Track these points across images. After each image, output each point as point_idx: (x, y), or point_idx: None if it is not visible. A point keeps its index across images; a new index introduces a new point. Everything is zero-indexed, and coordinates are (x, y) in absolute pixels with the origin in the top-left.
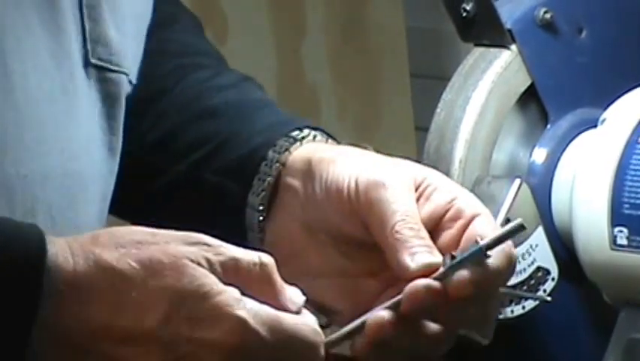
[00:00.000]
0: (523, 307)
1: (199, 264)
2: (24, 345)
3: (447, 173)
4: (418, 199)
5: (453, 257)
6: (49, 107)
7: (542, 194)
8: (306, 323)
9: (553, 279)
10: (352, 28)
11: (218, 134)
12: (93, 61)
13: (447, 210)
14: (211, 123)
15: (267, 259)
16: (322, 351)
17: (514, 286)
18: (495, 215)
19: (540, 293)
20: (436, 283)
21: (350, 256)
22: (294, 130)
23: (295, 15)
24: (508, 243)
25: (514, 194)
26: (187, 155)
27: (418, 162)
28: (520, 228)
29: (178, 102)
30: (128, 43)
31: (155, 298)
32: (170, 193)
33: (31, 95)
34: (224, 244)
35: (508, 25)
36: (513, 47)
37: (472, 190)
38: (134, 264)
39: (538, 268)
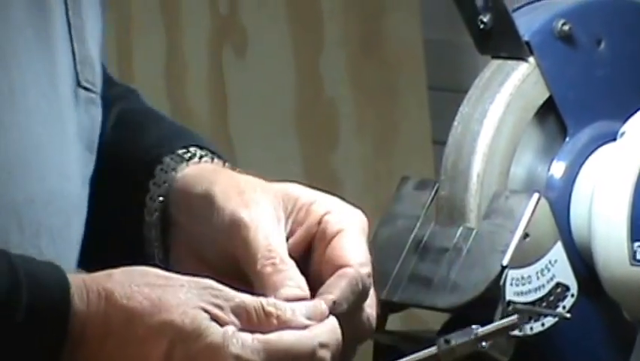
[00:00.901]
0: (543, 324)
1: (205, 310)
2: None
3: (465, 187)
4: (292, 222)
5: (447, 341)
6: (47, 128)
7: (561, 208)
8: (305, 334)
9: (572, 295)
10: (370, 41)
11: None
12: (83, 83)
13: (317, 231)
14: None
15: (269, 302)
16: (324, 354)
17: (533, 303)
18: (513, 230)
19: (559, 310)
20: None
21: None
22: (166, 155)
23: (314, 29)
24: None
25: (532, 209)
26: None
27: (435, 176)
28: (518, 324)
29: None
30: (99, 65)
31: (157, 335)
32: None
33: (31, 115)
34: (232, 291)
35: (525, 37)
36: (531, 59)
37: (489, 205)
38: (144, 302)
39: (558, 285)
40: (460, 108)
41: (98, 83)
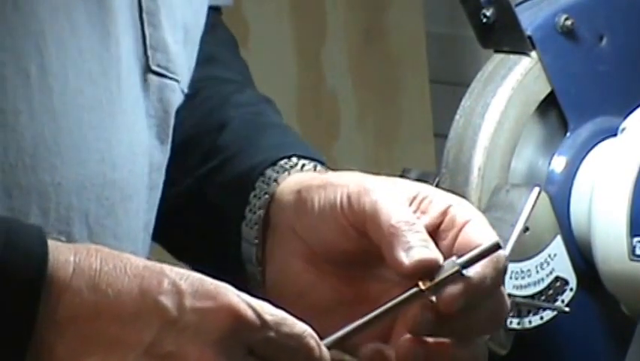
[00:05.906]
0: (542, 318)
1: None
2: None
3: (465, 181)
4: (414, 210)
5: (431, 279)
6: (90, 114)
7: (561, 203)
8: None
9: (571, 289)
10: (372, 34)
11: (225, 151)
12: (153, 68)
13: (442, 221)
14: (221, 138)
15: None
16: (312, 343)
17: (532, 296)
18: (513, 223)
19: (558, 304)
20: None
21: (357, 283)
22: (282, 158)
23: (316, 20)
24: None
25: (532, 202)
26: (197, 168)
27: (436, 169)
28: (496, 247)
29: (196, 113)
30: (179, 50)
31: (157, 276)
32: (178, 206)
33: (70, 100)
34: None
35: (528, 32)
36: (533, 53)
37: (490, 198)
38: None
39: (557, 278)
40: (462, 102)
41: (175, 69)
